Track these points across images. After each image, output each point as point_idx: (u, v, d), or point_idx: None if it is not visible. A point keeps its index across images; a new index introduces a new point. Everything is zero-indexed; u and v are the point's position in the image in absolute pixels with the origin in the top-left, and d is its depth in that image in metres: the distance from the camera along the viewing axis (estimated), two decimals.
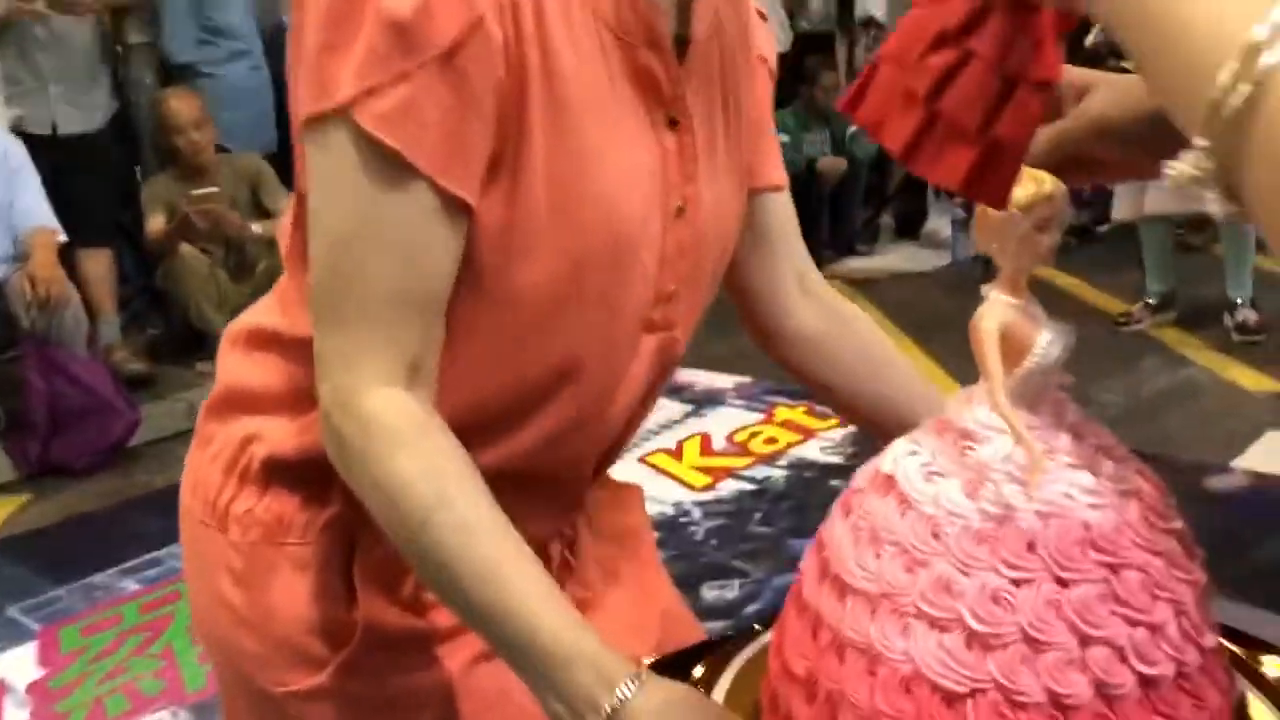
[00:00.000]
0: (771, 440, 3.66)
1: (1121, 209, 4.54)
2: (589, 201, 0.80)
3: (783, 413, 3.85)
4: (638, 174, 0.83)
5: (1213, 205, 0.42)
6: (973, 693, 0.64)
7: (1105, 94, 0.73)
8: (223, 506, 0.93)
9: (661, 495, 3.28)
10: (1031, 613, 0.63)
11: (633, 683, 0.72)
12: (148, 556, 2.95)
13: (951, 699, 0.64)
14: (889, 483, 0.70)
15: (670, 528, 3.07)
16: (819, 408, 3.60)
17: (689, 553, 2.92)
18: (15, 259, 3.50)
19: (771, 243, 1.02)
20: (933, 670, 0.65)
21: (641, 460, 3.52)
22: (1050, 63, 0.66)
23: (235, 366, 0.95)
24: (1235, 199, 0.41)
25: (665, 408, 3.96)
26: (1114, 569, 0.64)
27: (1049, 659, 0.63)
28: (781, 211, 1.03)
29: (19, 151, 3.59)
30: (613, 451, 0.99)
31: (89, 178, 3.97)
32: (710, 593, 2.75)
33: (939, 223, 6.02)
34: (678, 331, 0.92)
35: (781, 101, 5.05)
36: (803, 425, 3.72)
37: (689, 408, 3.96)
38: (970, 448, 0.68)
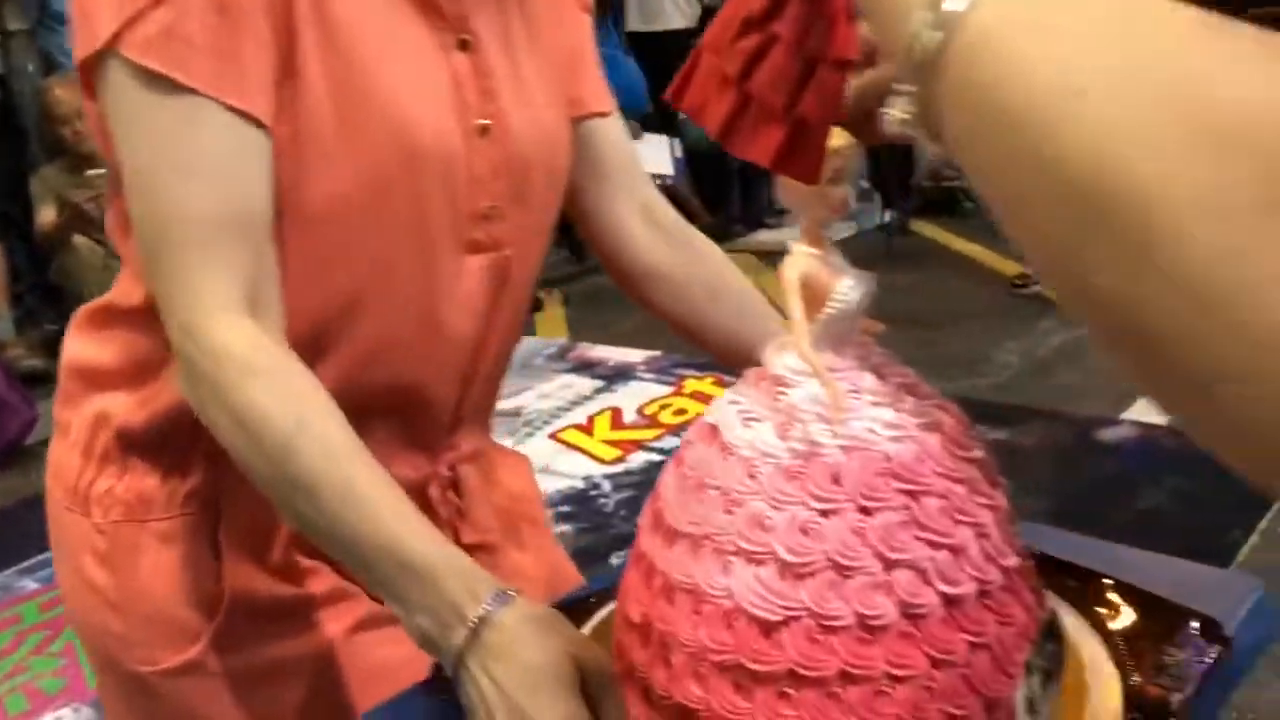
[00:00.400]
0: (680, 411, 3.70)
1: None
2: (375, 114, 0.82)
3: (691, 384, 3.89)
4: (423, 89, 0.84)
5: (925, 148, 0.45)
6: (786, 620, 0.67)
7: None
8: (83, 489, 0.93)
9: (572, 470, 3.31)
10: (838, 541, 0.67)
11: (500, 597, 0.73)
12: (46, 555, 2.89)
13: (768, 628, 0.67)
14: (713, 432, 0.73)
15: (580, 501, 3.10)
16: (728, 378, 3.65)
17: (599, 525, 2.95)
18: None
19: (608, 173, 1.04)
20: (749, 602, 0.67)
21: (552, 436, 3.54)
22: (845, 41, 0.69)
23: (78, 348, 0.95)
24: (940, 142, 0.43)
25: (576, 384, 3.98)
26: (915, 496, 0.68)
27: (856, 583, 0.66)
28: (613, 140, 1.05)
29: None
30: (472, 384, 0.99)
31: None
32: (619, 561, 2.78)
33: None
34: (509, 251, 0.93)
35: None
36: (711, 396, 3.76)
37: (600, 383, 3.98)
38: (782, 392, 0.71)
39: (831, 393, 0.68)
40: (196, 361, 0.77)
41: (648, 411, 3.75)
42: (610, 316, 4.12)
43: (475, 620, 0.71)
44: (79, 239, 3.90)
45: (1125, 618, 0.81)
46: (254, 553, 0.92)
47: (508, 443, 3.56)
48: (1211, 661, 0.75)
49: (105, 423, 0.92)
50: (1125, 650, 0.77)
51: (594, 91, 1.02)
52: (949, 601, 0.67)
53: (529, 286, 1.00)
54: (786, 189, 0.72)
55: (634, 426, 3.65)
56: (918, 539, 0.67)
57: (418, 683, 0.81)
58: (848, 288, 0.70)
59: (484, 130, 0.88)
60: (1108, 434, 3.28)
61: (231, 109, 0.76)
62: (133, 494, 0.92)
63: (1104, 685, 0.75)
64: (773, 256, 4.36)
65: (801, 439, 0.69)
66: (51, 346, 4.18)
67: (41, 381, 3.83)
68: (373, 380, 0.89)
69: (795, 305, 0.70)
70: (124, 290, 0.90)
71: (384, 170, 0.83)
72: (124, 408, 0.91)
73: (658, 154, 5.34)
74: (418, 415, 0.95)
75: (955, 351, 4.01)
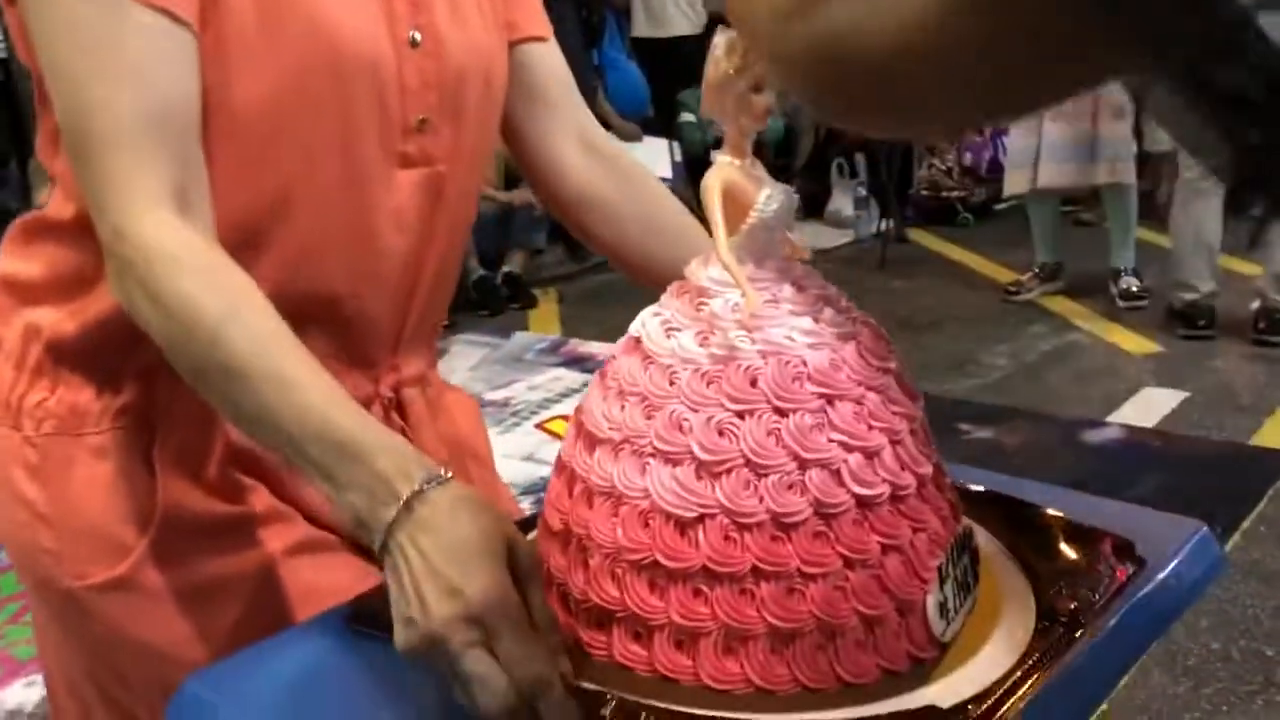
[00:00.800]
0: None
1: (1012, 184, 4.65)
2: (299, 17, 0.83)
3: None
4: None
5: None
6: (701, 518, 0.68)
7: None
8: (15, 402, 0.94)
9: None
10: (753, 440, 0.68)
11: (433, 476, 0.72)
12: None
13: (684, 526, 0.68)
14: (636, 344, 0.74)
15: None
16: None
17: None
18: None
19: (544, 97, 1.05)
20: (666, 501, 0.69)
21: (539, 426, 3.55)
22: None
23: (9, 263, 0.96)
24: None
25: (565, 378, 3.98)
26: (830, 400, 0.69)
27: (770, 481, 0.68)
28: (549, 65, 1.06)
29: None
30: (412, 302, 0.99)
31: None
32: None
33: (841, 202, 6.12)
34: (443, 168, 0.94)
35: (691, 81, 5.11)
36: None
37: (589, 377, 4.00)
38: (704, 303, 0.72)
39: (743, 292, 0.69)
40: (128, 260, 0.78)
41: None
42: (604, 315, 4.13)
43: (408, 495, 0.71)
44: None
45: (1043, 541, 0.82)
46: (189, 469, 0.92)
47: (494, 431, 3.55)
48: (1123, 579, 0.76)
49: (36, 335, 0.93)
50: (1040, 568, 0.78)
51: (530, 16, 1.04)
52: (862, 503, 0.68)
53: (467, 207, 1.01)
54: (710, 98, 0.73)
55: None
56: (832, 440, 0.68)
57: (338, 607, 0.82)
58: (767, 198, 0.72)
59: (414, 42, 0.90)
60: (1093, 435, 3.27)
61: (155, 7, 0.78)
62: (65, 407, 0.92)
63: (1018, 598, 0.76)
64: None
65: (720, 345, 0.70)
66: None
67: None
68: (307, 288, 0.90)
69: (716, 213, 0.71)
70: (56, 206, 0.91)
71: (309, 74, 0.84)
72: (54, 320, 0.92)
73: (657, 157, 5.36)
74: (356, 330, 0.96)
75: (944, 353, 4.01)
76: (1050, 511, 0.85)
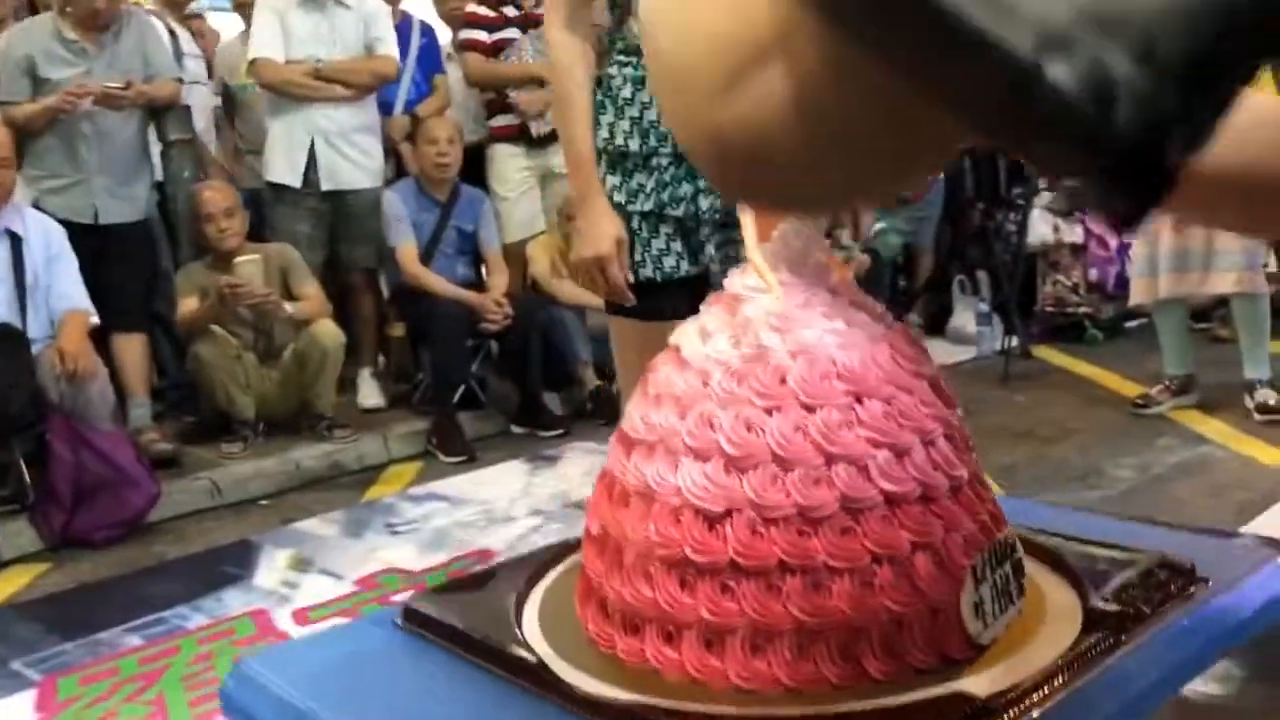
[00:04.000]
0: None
1: (1137, 293, 4.55)
2: None
3: None
4: None
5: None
6: (729, 512, 0.69)
7: None
8: None
9: None
10: (780, 435, 0.69)
11: None
12: (152, 616, 3.01)
13: (712, 520, 0.69)
14: (675, 351, 0.76)
15: None
16: None
17: None
18: (50, 339, 3.66)
19: None
20: (695, 497, 0.70)
21: None
22: None
23: None
24: None
25: None
26: (858, 397, 0.70)
27: (796, 475, 0.68)
28: None
29: (60, 236, 3.77)
30: None
31: (126, 266, 4.15)
32: None
33: (964, 318, 6.05)
34: None
35: None
36: None
37: None
38: (737, 307, 0.74)
39: (766, 282, 0.71)
40: None
41: None
42: None
43: None
44: (215, 329, 4.14)
45: (1093, 561, 0.79)
46: None
47: None
48: (1174, 591, 0.73)
49: None
50: (1089, 583, 0.76)
51: None
52: (890, 500, 0.68)
53: None
54: None
55: None
56: (860, 437, 0.69)
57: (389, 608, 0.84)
58: None
59: None
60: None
61: None
62: None
63: (1066, 611, 0.74)
64: None
65: (751, 344, 0.72)
66: (187, 437, 4.40)
67: (169, 465, 4.02)
68: None
69: (747, 220, 0.74)
70: None
71: None
72: None
73: None
74: None
75: (1068, 464, 3.89)
76: (1104, 538, 0.83)
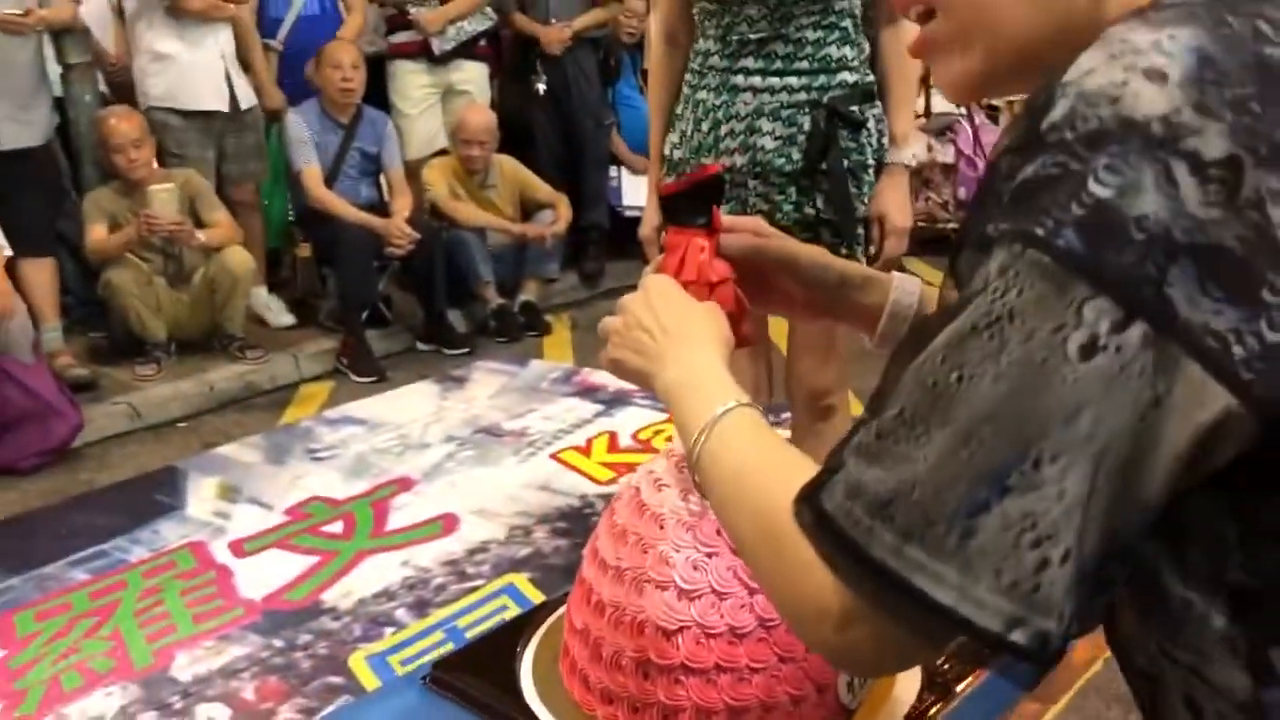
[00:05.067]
0: (672, 438, 3.97)
1: None
2: None
3: None
4: None
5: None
6: (680, 629, 0.97)
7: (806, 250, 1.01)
8: None
9: (568, 489, 3.58)
10: (717, 575, 0.97)
11: None
12: (94, 549, 3.20)
13: (669, 634, 0.98)
14: (635, 493, 1.04)
15: (575, 518, 3.37)
16: None
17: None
18: None
19: None
20: (656, 616, 0.98)
21: (553, 456, 3.82)
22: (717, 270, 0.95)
23: None
24: None
25: (578, 408, 4.26)
26: None
27: (729, 603, 0.97)
28: None
29: None
30: None
31: (32, 192, 4.18)
32: None
33: None
34: None
35: None
36: None
37: (600, 408, 4.26)
38: (684, 466, 1.02)
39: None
40: None
41: (642, 436, 4.01)
42: None
43: None
44: (128, 255, 4.23)
45: None
46: None
47: (512, 461, 3.80)
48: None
49: None
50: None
51: None
52: None
53: None
54: None
55: (628, 450, 3.92)
56: None
57: (418, 670, 1.11)
58: None
59: None
60: None
61: None
62: None
63: (911, 675, 1.06)
64: None
65: (697, 502, 0.99)
66: (96, 355, 4.51)
67: (87, 389, 4.14)
68: None
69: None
70: None
71: None
72: None
73: None
74: None
75: None
76: None
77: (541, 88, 5.35)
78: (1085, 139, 0.56)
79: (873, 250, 2.21)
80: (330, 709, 1.07)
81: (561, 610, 1.15)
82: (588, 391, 4.47)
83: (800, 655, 0.97)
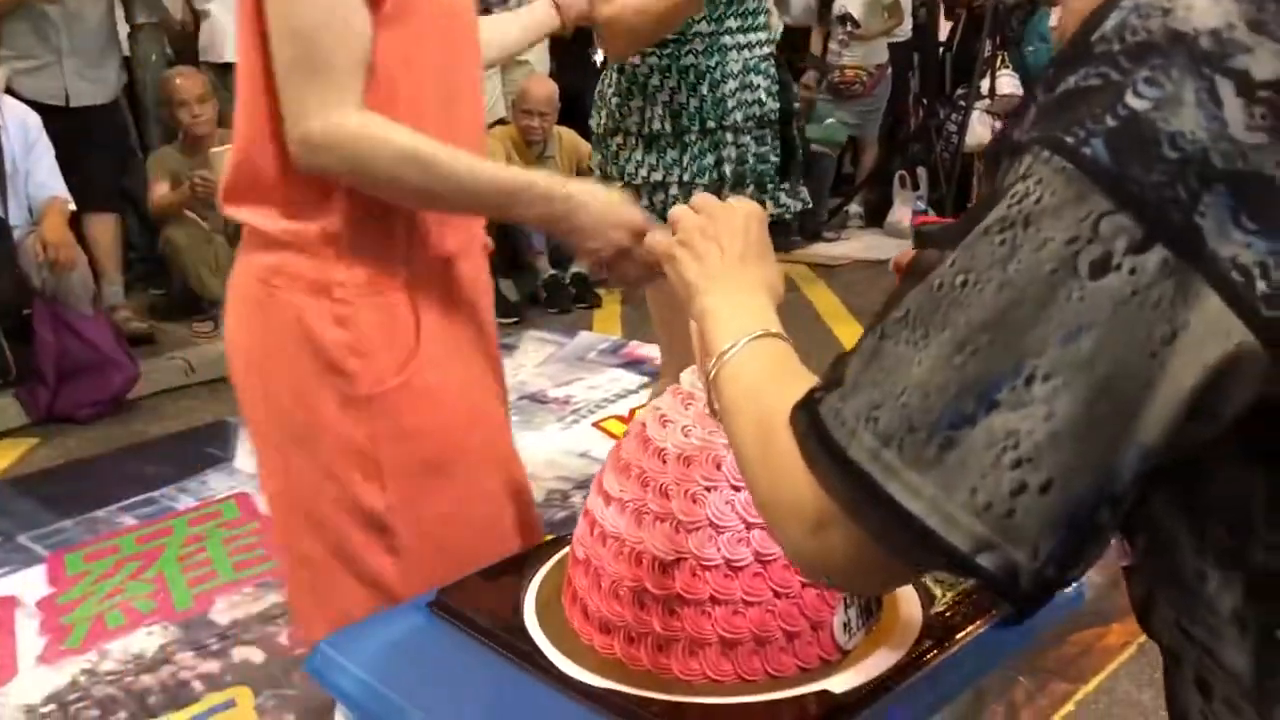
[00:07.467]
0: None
1: None
2: None
3: None
4: None
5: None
6: (677, 560, 0.98)
7: None
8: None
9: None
10: (715, 508, 0.98)
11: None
12: (143, 496, 3.29)
13: (665, 565, 0.99)
14: (641, 429, 1.04)
15: None
16: None
17: None
18: (30, 225, 3.82)
19: None
20: (655, 548, 0.99)
21: (595, 425, 3.86)
22: None
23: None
24: None
25: (622, 379, 4.29)
26: None
27: (725, 537, 0.97)
28: None
29: (36, 124, 3.88)
30: None
31: (99, 149, 4.28)
32: None
33: (902, 213, 6.32)
34: None
35: None
36: None
37: (644, 379, 4.29)
38: (689, 403, 1.02)
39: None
40: (348, 140, 1.14)
41: None
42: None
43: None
44: (188, 213, 4.31)
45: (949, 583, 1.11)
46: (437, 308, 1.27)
47: (555, 428, 3.82)
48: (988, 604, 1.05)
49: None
50: (927, 600, 1.07)
51: None
52: None
53: None
54: None
55: None
56: None
57: (423, 597, 1.13)
58: None
59: None
60: None
61: None
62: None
63: (908, 613, 1.05)
64: (826, 269, 4.61)
65: (698, 437, 1.00)
66: (156, 311, 4.61)
67: (145, 342, 4.24)
68: None
69: (696, 338, 1.01)
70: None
71: None
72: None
73: None
74: None
75: None
76: None
77: (599, 58, 5.35)
78: (1131, 50, 0.54)
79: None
80: (337, 631, 1.09)
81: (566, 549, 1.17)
82: (633, 363, 4.50)
83: (796, 591, 0.98)
